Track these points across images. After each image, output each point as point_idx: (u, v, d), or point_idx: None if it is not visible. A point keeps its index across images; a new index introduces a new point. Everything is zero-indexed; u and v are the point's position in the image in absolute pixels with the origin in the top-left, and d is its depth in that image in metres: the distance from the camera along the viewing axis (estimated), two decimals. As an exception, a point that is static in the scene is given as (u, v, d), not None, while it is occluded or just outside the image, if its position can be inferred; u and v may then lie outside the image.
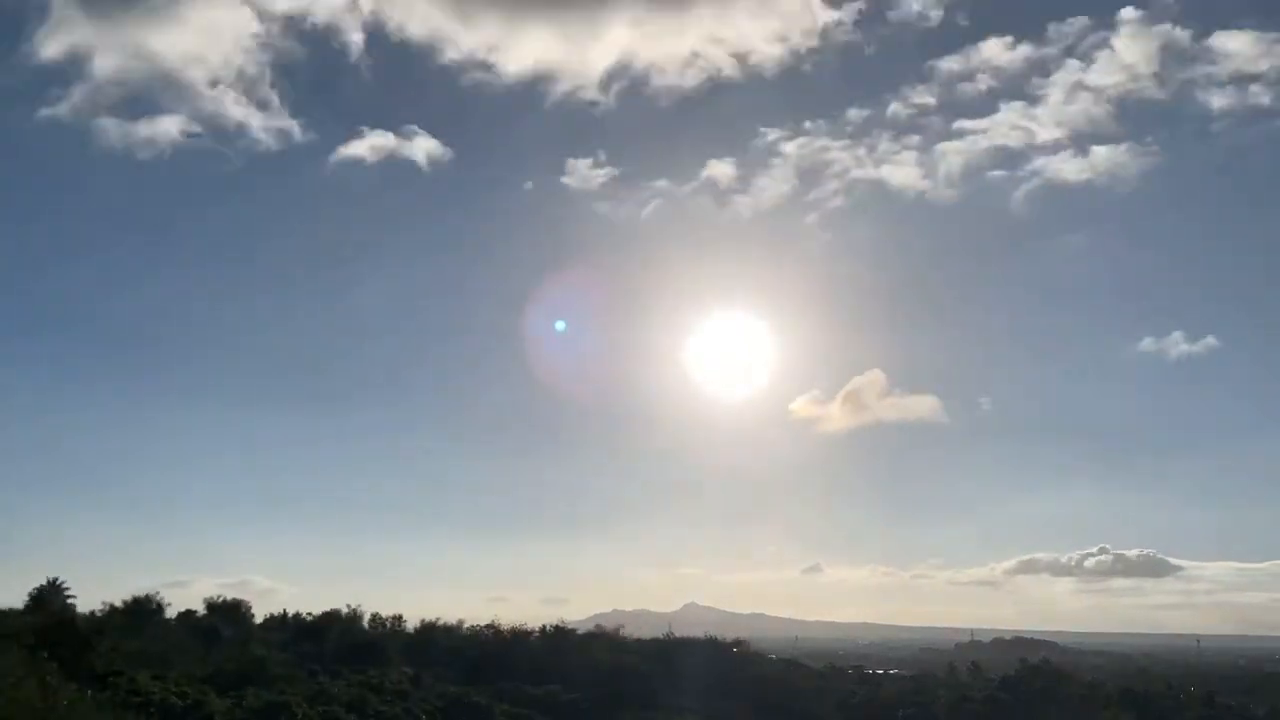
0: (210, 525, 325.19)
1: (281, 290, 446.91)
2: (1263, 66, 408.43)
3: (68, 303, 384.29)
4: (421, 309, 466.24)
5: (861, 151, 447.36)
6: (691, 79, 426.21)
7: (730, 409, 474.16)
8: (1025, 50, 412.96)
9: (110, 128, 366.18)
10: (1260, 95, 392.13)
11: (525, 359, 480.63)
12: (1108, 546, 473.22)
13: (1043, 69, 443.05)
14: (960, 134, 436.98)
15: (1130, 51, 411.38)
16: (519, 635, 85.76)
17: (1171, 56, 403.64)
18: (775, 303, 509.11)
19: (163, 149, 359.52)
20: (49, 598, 72.54)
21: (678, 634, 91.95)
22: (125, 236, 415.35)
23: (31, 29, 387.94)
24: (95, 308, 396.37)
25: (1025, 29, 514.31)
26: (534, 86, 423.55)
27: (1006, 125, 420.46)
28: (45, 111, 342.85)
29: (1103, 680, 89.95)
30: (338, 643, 78.67)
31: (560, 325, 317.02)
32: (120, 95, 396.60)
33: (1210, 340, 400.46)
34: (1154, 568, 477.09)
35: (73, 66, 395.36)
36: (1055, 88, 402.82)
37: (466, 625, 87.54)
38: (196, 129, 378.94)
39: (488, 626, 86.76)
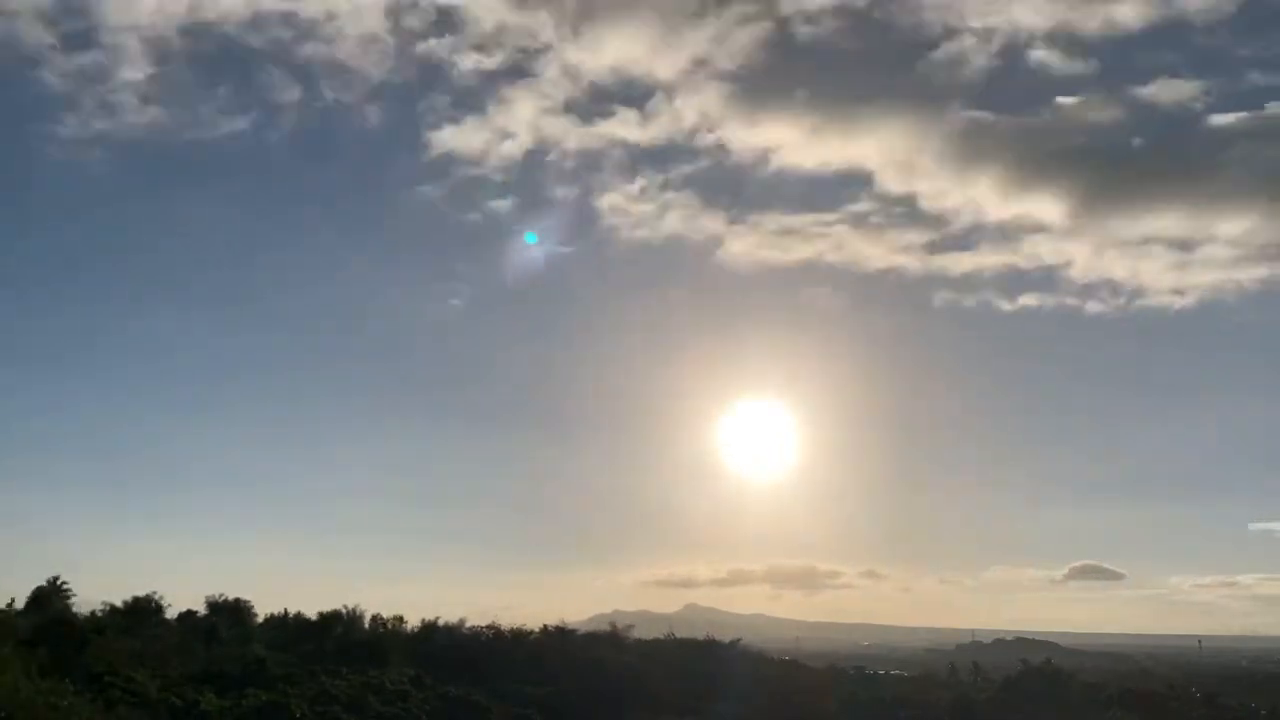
0: (211, 525, 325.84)
1: (275, 290, 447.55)
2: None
3: (65, 302, 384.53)
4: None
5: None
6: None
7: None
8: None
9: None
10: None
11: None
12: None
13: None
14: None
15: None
16: (519, 635, 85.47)
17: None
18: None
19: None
20: (49, 598, 72.33)
21: (678, 634, 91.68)
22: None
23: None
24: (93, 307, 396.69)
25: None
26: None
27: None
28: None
29: (1104, 681, 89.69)
30: (338, 643, 78.45)
31: (531, 237, 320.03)
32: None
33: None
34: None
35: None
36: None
37: (467, 625, 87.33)
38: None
39: (488, 626, 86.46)
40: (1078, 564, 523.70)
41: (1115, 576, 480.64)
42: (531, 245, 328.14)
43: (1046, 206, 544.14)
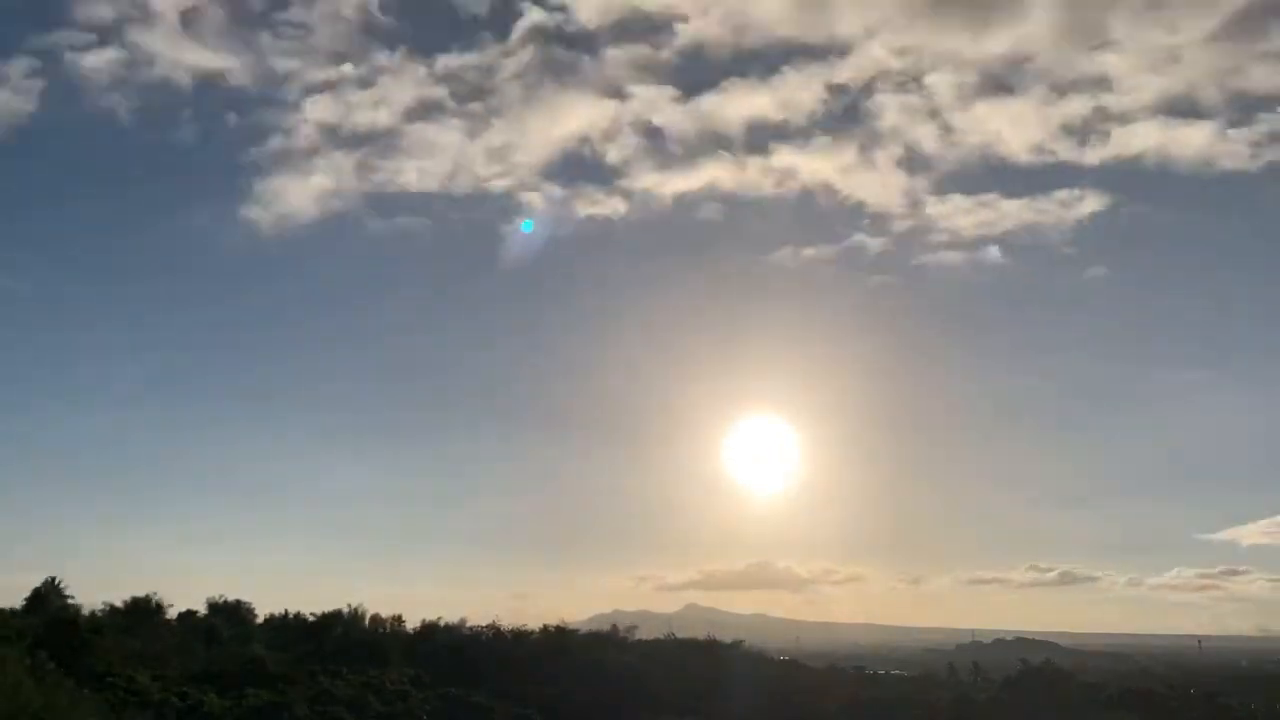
0: (211, 525, 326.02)
1: (271, 289, 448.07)
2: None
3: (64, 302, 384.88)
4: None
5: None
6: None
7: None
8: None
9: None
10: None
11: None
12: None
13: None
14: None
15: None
16: (519, 635, 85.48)
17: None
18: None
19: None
20: (49, 598, 72.37)
21: (678, 635, 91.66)
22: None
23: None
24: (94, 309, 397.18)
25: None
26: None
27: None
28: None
29: (1104, 681, 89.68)
30: (338, 643, 78.50)
31: (527, 225, 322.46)
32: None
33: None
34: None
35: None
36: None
37: (467, 625, 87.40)
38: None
39: (488, 626, 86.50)
40: (1052, 565, 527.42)
41: (1088, 579, 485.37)
42: (527, 234, 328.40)
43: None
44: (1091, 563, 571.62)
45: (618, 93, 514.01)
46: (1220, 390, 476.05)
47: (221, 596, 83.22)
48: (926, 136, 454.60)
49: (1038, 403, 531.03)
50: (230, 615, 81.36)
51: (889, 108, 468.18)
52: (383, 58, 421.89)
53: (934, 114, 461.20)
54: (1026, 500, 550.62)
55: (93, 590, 79.81)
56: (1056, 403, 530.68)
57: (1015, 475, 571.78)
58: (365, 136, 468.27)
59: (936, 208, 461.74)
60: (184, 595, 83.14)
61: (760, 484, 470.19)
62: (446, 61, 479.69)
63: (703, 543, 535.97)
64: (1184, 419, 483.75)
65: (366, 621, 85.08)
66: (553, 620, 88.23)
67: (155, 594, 77.19)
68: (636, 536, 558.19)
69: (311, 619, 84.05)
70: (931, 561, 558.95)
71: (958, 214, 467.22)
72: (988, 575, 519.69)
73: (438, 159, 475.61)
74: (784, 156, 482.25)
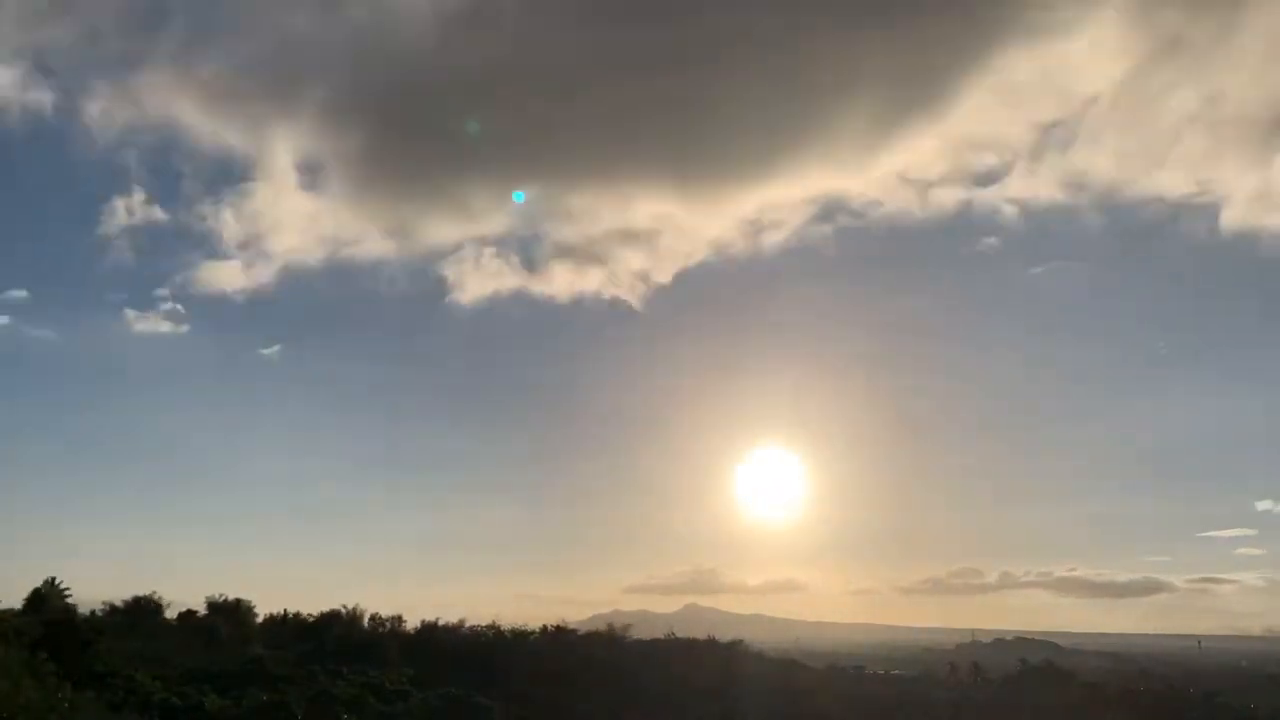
0: (211, 525, 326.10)
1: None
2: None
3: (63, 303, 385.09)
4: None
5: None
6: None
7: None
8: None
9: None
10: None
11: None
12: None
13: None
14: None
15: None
16: (519, 635, 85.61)
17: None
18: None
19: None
20: (48, 598, 72.41)
21: (678, 634, 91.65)
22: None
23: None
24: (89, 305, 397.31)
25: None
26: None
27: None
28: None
29: (1104, 681, 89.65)
30: (338, 643, 78.58)
31: (519, 196, 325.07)
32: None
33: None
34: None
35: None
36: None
37: (467, 625, 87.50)
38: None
39: (488, 626, 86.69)
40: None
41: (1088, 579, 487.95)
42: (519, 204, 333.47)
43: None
44: (1090, 562, 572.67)
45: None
46: (1218, 387, 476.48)
47: (221, 596, 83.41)
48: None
49: (1036, 399, 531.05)
50: (230, 615, 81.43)
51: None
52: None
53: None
54: (1022, 500, 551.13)
55: (93, 590, 79.80)
56: (1054, 399, 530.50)
57: (1011, 476, 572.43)
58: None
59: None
60: (184, 595, 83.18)
61: (756, 493, 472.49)
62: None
63: (696, 546, 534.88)
64: (1179, 415, 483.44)
65: (366, 621, 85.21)
66: (553, 621, 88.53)
67: (155, 594, 77.40)
68: (638, 539, 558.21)
69: (311, 619, 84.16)
70: (929, 562, 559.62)
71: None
72: (987, 576, 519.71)
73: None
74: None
